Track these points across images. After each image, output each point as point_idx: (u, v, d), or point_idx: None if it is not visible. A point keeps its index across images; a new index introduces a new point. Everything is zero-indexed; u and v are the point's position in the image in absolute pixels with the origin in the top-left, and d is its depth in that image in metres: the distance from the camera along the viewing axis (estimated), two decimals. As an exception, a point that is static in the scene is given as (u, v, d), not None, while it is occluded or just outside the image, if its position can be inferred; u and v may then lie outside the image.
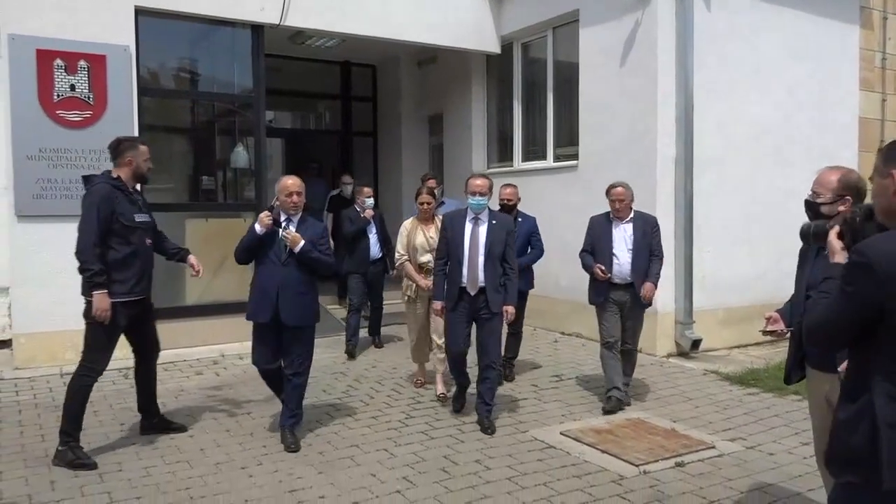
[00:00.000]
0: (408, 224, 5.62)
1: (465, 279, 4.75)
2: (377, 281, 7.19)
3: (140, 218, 4.31)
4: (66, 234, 6.20)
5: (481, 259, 4.73)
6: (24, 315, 6.27)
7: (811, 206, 2.85)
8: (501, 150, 9.40)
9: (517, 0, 8.55)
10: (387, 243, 7.18)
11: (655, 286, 5.20)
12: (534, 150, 8.76)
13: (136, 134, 6.41)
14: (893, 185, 1.85)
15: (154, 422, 4.63)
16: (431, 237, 5.40)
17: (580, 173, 7.71)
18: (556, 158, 8.33)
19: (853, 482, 1.84)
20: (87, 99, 6.41)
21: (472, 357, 4.94)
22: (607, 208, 5.28)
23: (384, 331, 7.50)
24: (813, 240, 2.19)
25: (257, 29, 7.32)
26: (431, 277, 5.14)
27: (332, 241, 6.60)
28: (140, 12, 6.63)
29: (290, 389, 4.46)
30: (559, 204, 7.76)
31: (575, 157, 7.85)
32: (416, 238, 5.49)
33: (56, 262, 6.26)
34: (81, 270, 4.10)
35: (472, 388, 4.99)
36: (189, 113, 8.00)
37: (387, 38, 8.07)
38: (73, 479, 3.89)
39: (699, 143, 6.86)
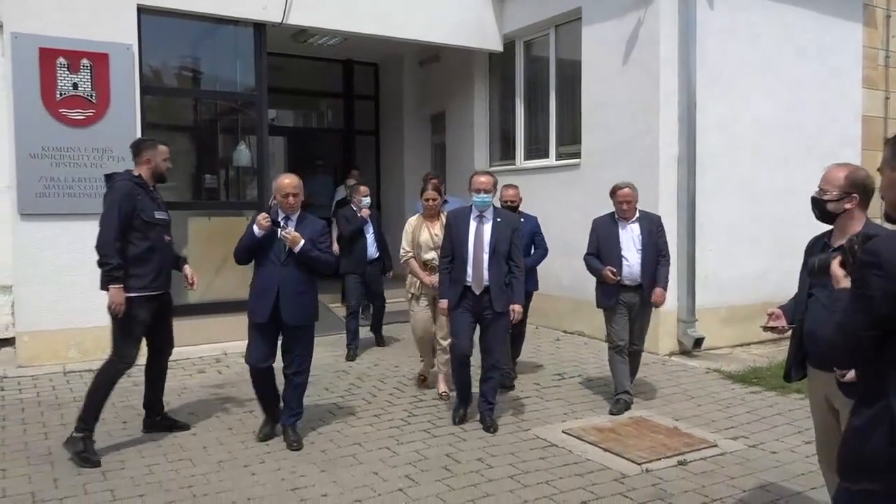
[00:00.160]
0: (413, 221, 5.57)
1: (469, 278, 4.66)
2: (375, 281, 7.16)
3: (159, 215, 4.42)
4: (69, 233, 6.29)
5: (486, 257, 4.64)
6: (27, 313, 6.29)
7: (817, 204, 2.83)
8: (504, 149, 9.39)
9: (519, -2, 8.55)
10: (382, 244, 7.18)
11: (665, 290, 5.16)
12: (536, 148, 8.75)
13: (138, 133, 6.44)
14: None
15: (157, 419, 4.65)
16: (436, 234, 5.35)
17: (582, 172, 7.71)
18: (559, 157, 8.32)
19: (871, 489, 1.77)
20: (89, 97, 6.42)
21: (475, 359, 4.88)
22: (610, 206, 5.22)
23: (386, 329, 7.49)
24: (818, 274, 2.17)
25: (260, 27, 7.33)
26: (436, 275, 5.11)
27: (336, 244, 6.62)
28: (143, 11, 6.65)
29: (291, 389, 4.46)
30: (561, 202, 7.75)
31: (577, 155, 7.85)
32: (421, 235, 5.45)
33: (59, 261, 6.30)
34: (101, 264, 4.18)
35: (474, 388, 4.96)
36: (191, 111, 8.02)
37: (389, 36, 8.07)
38: (76, 476, 3.90)
39: (701, 141, 6.85)
